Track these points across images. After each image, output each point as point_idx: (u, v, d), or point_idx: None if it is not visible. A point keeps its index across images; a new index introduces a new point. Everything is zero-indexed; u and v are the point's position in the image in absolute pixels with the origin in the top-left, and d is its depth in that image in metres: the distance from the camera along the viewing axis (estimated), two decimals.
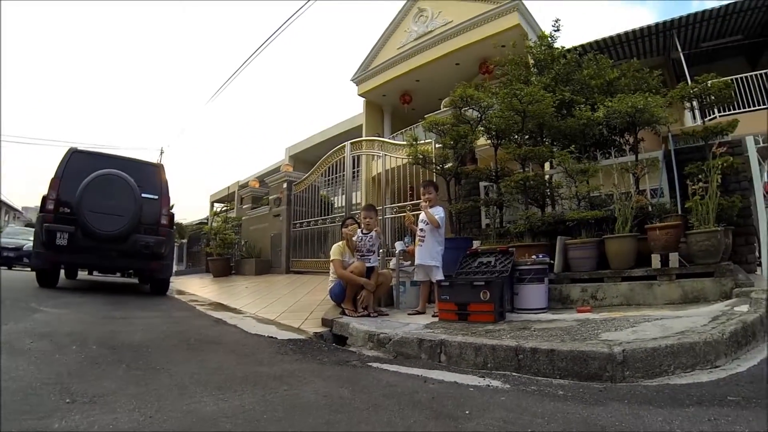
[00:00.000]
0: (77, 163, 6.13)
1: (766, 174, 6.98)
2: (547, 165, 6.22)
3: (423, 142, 6.60)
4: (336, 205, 9.97)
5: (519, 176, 5.00)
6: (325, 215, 9.56)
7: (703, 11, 9.97)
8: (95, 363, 2.47)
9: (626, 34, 10.52)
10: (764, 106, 9.76)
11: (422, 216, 4.53)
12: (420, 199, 7.03)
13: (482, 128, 5.98)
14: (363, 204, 9.07)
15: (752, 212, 5.38)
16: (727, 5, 9.74)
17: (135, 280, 10.56)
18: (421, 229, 4.48)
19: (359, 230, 4.46)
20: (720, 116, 9.94)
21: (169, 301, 6.32)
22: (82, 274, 11.21)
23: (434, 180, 5.27)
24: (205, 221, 14.62)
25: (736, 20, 10.28)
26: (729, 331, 2.46)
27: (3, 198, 23.62)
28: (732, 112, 9.88)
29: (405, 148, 6.41)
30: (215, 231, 11.37)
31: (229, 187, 19.26)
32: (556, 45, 6.92)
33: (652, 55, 11.53)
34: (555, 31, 6.93)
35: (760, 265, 5.21)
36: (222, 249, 11.10)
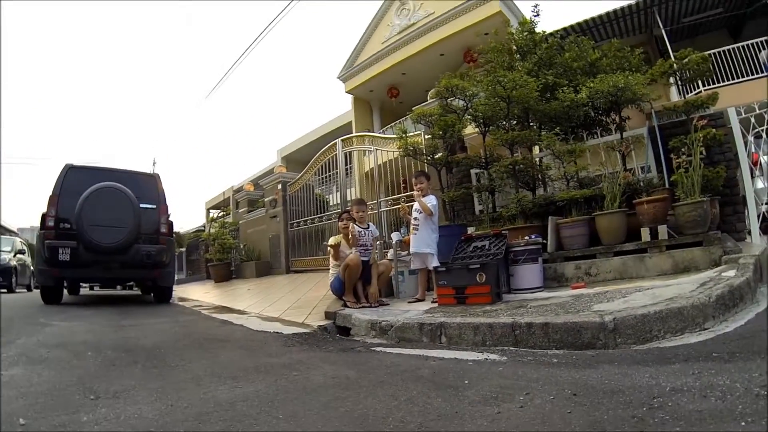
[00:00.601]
0: (74, 179, 6.24)
1: (753, 145, 7.10)
2: (536, 149, 6.36)
3: (412, 134, 6.74)
4: (331, 203, 10.12)
5: (508, 161, 5.14)
6: (320, 213, 9.69)
7: None
8: (112, 365, 2.61)
9: (608, 14, 10.64)
10: (748, 78, 9.94)
11: (416, 205, 4.67)
12: (413, 190, 7.24)
13: (470, 117, 6.11)
14: (355, 194, 9.26)
15: (738, 182, 5.53)
16: None
17: (137, 292, 10.70)
18: (415, 218, 4.63)
19: (356, 226, 4.60)
20: (704, 90, 10.11)
21: (173, 307, 6.46)
22: (84, 290, 11.33)
23: (425, 170, 5.41)
24: (202, 229, 14.74)
25: None
26: (716, 294, 2.58)
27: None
28: (717, 85, 10.04)
29: (395, 141, 6.53)
30: (213, 237, 11.50)
31: (224, 193, 19.38)
32: (537, 30, 7.06)
33: (635, 33, 11.67)
34: (535, 16, 7.07)
35: (749, 233, 5.40)
36: (221, 254, 11.23)
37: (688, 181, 4.29)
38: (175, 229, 17.66)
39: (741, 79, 9.82)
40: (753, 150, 6.80)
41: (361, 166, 11.31)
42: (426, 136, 6.49)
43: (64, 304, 6.63)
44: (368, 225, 4.71)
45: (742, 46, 10.08)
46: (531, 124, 6.05)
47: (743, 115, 5.89)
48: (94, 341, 3.39)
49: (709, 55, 10.03)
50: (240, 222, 12.73)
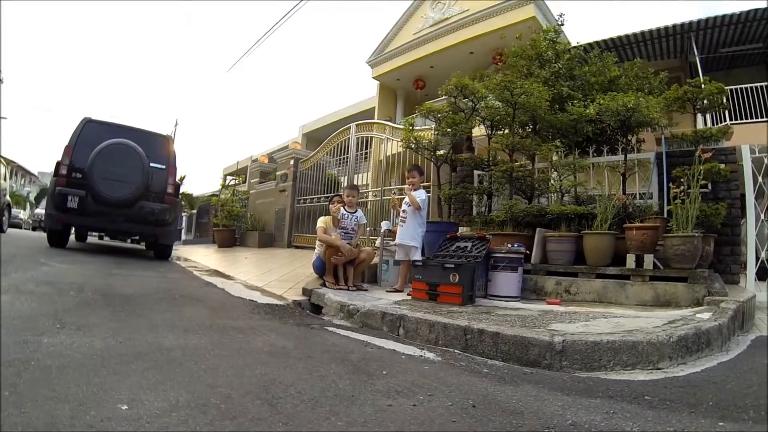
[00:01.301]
0: (90, 132, 6.54)
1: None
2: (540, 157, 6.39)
3: (423, 127, 6.83)
4: (344, 185, 10.27)
5: (504, 166, 5.21)
6: (329, 193, 9.86)
7: (723, 16, 9.83)
8: (87, 304, 2.86)
9: (642, 33, 10.48)
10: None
11: (406, 198, 4.81)
12: (425, 182, 7.34)
13: (479, 118, 6.18)
14: (371, 184, 9.40)
15: (740, 223, 5.38)
16: (748, 12, 9.62)
17: (142, 246, 11.08)
18: (404, 211, 4.77)
19: (342, 207, 4.75)
20: (732, 123, 9.94)
21: (169, 265, 6.73)
22: (93, 239, 11.77)
23: (421, 165, 5.52)
24: (217, 193, 15.10)
25: (757, 28, 10.12)
26: (678, 335, 2.47)
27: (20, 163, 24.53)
28: (743, 121, 9.88)
29: (402, 132, 6.64)
30: (222, 203, 11.81)
31: (238, 162, 19.72)
32: (560, 39, 7.03)
33: (669, 56, 11.47)
34: (560, 25, 7.04)
35: (745, 273, 5.23)
36: (228, 221, 11.52)
37: (682, 213, 4.21)
38: (189, 191, 18.23)
39: (763, 119, 9.59)
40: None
41: (377, 153, 11.44)
42: (433, 132, 6.57)
43: (69, 249, 6.97)
44: (356, 210, 4.86)
45: None
46: (538, 132, 6.08)
47: (757, 155, 5.66)
48: (80, 283, 3.65)
49: (740, 89, 9.93)
50: (251, 192, 13.02)
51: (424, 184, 7.34)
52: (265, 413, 1.40)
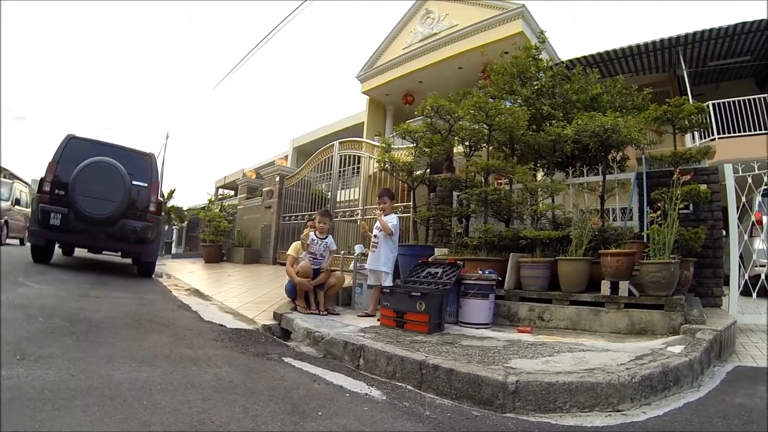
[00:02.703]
0: (74, 149, 6.72)
1: (759, 203, 6.85)
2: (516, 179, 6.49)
3: (402, 147, 6.98)
4: (330, 200, 10.43)
5: (478, 190, 5.34)
6: (315, 209, 10.02)
7: (710, 30, 10.05)
8: (52, 332, 3.00)
9: (630, 48, 10.72)
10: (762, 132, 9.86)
11: (377, 223, 4.95)
12: (402, 202, 7.50)
13: (457, 138, 6.31)
14: (360, 200, 9.55)
15: (722, 244, 5.33)
16: (735, 25, 9.85)
17: (129, 261, 11.21)
18: (375, 236, 4.91)
19: (313, 233, 4.91)
20: (720, 138, 10.14)
21: (150, 283, 6.87)
22: (80, 252, 11.90)
23: (391, 189, 5.63)
24: (205, 207, 15.28)
25: (745, 41, 10.39)
26: (642, 374, 2.43)
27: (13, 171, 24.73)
28: (735, 134, 10.07)
29: (379, 152, 6.79)
30: (209, 218, 11.99)
31: (225, 177, 19.94)
32: (542, 57, 7.18)
33: (658, 71, 11.72)
34: (541, 42, 7.21)
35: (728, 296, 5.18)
36: (214, 236, 11.70)
37: (659, 238, 4.15)
38: (180, 204, 18.39)
39: (754, 132, 9.78)
40: (757, 209, 6.74)
41: (365, 169, 11.63)
42: (413, 152, 6.70)
43: (52, 264, 7.11)
44: (327, 236, 5.00)
45: (766, 97, 10.05)
46: (515, 153, 6.16)
47: (740, 174, 5.63)
48: (51, 307, 3.79)
49: (727, 102, 10.12)
50: (238, 207, 13.21)
51: (404, 204, 7.54)
52: None
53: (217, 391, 2.22)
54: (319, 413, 2.10)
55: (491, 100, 6.09)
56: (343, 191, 9.76)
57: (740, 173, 5.25)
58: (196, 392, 2.16)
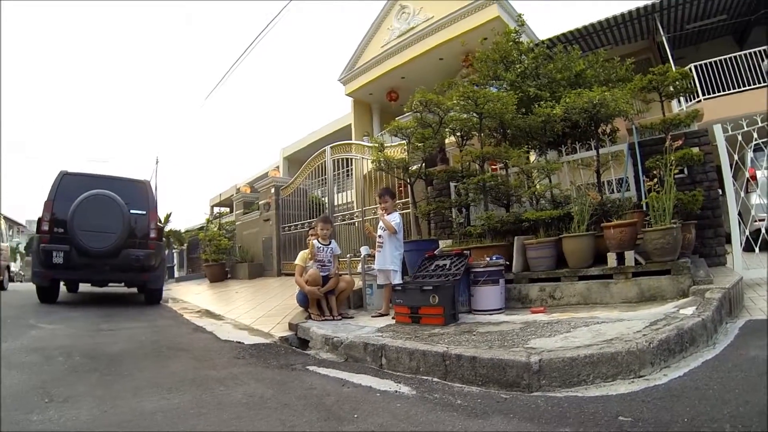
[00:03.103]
0: (68, 185, 6.73)
1: (751, 159, 6.87)
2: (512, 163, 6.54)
3: (394, 144, 7.01)
4: (327, 206, 10.48)
5: (476, 178, 5.38)
6: (314, 217, 10.06)
7: None
8: (75, 371, 3.02)
9: (607, 20, 10.78)
10: (753, 86, 9.94)
11: (381, 223, 4.99)
12: (400, 199, 7.53)
13: (448, 129, 6.35)
14: (357, 201, 9.59)
15: (720, 204, 5.41)
16: None
17: (134, 290, 11.22)
18: (380, 236, 4.94)
19: (316, 240, 4.94)
20: (705, 99, 10.21)
21: (160, 310, 6.89)
22: (84, 286, 11.89)
23: (390, 187, 5.66)
24: (204, 228, 15.30)
25: (720, 0, 10.48)
26: (659, 339, 2.48)
27: (5, 213, 24.74)
28: (717, 94, 10.13)
29: (373, 152, 6.82)
30: (209, 238, 12.00)
31: (220, 195, 19.95)
32: (523, 39, 7.22)
33: (637, 39, 11.80)
34: (519, 26, 7.24)
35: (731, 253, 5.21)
36: (216, 255, 11.72)
37: (659, 205, 4.21)
38: (177, 227, 18.38)
39: (746, 88, 9.83)
40: (750, 165, 6.79)
41: (359, 170, 11.67)
42: (405, 149, 6.74)
43: (59, 303, 7.12)
44: (330, 242, 5.03)
45: (745, 54, 10.12)
46: (507, 137, 6.21)
47: (730, 133, 5.67)
48: (68, 345, 3.81)
49: (711, 63, 10.18)
50: (237, 223, 13.22)
51: (403, 201, 7.58)
52: None
53: (250, 408, 2.24)
54: (355, 416, 2.14)
55: (476, 87, 6.14)
56: (339, 195, 9.81)
57: (730, 132, 5.28)
58: (229, 411, 2.19)
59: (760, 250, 5.01)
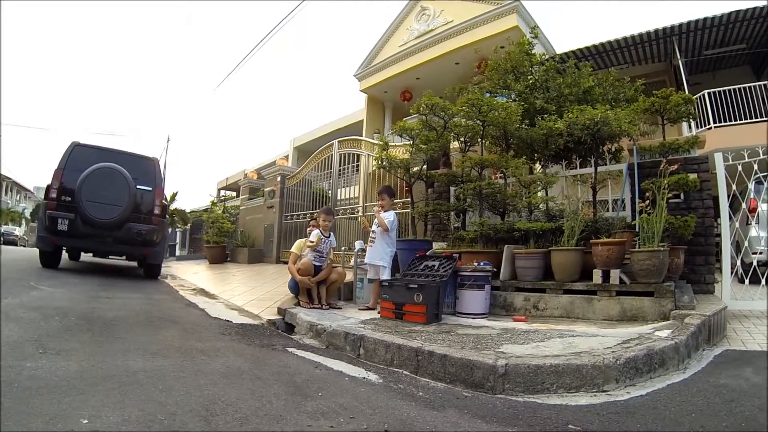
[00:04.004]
0: (79, 156, 6.97)
1: (752, 192, 6.89)
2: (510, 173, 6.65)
3: (399, 144, 7.18)
4: (331, 198, 10.69)
5: (472, 185, 5.54)
6: (316, 208, 10.25)
7: (705, 19, 10.13)
8: (69, 329, 3.24)
9: (625, 39, 10.85)
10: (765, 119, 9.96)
11: (376, 219, 5.17)
12: (402, 198, 7.71)
13: (452, 134, 6.51)
14: (361, 197, 9.78)
15: (713, 232, 5.45)
16: (730, 13, 9.93)
17: (134, 264, 11.50)
18: (373, 231, 5.13)
19: (318, 231, 5.12)
20: (716, 127, 10.27)
21: (157, 284, 7.12)
22: (86, 256, 12.20)
23: (396, 183, 5.84)
24: (208, 209, 15.58)
25: (740, 29, 10.46)
26: (626, 357, 2.57)
27: (15, 179, 25.29)
28: (732, 123, 10.17)
29: (377, 150, 6.99)
30: (213, 220, 12.24)
31: (227, 179, 20.22)
32: (535, 51, 7.35)
33: (654, 61, 11.85)
34: (533, 38, 7.38)
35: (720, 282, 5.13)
36: (218, 237, 11.97)
37: (648, 227, 4.30)
38: (182, 206, 18.67)
39: (751, 120, 9.88)
40: (752, 196, 6.83)
41: (365, 167, 11.86)
42: (409, 149, 6.90)
43: (61, 269, 7.37)
44: (330, 234, 5.22)
45: (761, 86, 10.15)
46: (510, 147, 6.35)
47: (730, 162, 5.70)
48: (65, 307, 4.03)
49: (726, 91, 10.21)
50: (241, 208, 13.47)
51: (403, 200, 7.75)
52: (198, 428, 1.76)
53: (226, 377, 2.43)
54: (320, 394, 2.31)
55: (487, 95, 6.29)
56: (343, 189, 10.00)
57: (730, 161, 5.31)
58: (206, 378, 2.38)
59: (750, 283, 5.05)
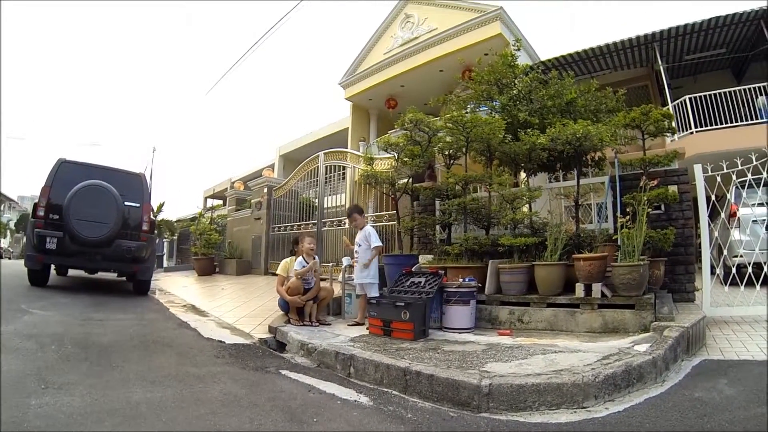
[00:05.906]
0: (65, 173, 7.10)
1: (733, 196, 7.08)
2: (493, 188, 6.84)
3: (386, 156, 7.37)
4: (317, 209, 10.86)
5: (457, 201, 5.77)
6: (304, 219, 10.44)
7: (685, 25, 10.50)
8: (67, 360, 3.40)
9: (607, 46, 11.18)
10: (747, 123, 10.30)
11: (358, 237, 5.38)
12: (390, 210, 7.91)
13: (436, 148, 6.72)
14: (348, 206, 9.95)
15: (693, 242, 5.64)
16: (710, 20, 10.30)
17: (123, 278, 11.57)
18: (356, 251, 5.34)
19: (301, 258, 5.25)
20: (697, 131, 10.61)
21: (147, 301, 7.25)
22: (74, 271, 12.22)
23: (381, 198, 5.99)
24: (197, 217, 15.65)
25: (720, 34, 10.85)
26: (605, 374, 2.72)
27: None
28: (712, 127, 10.50)
29: (363, 163, 7.19)
30: (200, 231, 12.35)
31: (214, 188, 20.32)
32: (518, 63, 7.56)
33: (636, 66, 12.21)
34: (516, 50, 7.61)
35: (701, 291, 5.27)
36: (206, 249, 12.09)
37: (629, 242, 4.46)
38: (169, 217, 18.71)
39: (731, 125, 10.24)
40: (733, 201, 7.06)
41: (350, 178, 12.06)
42: (394, 163, 7.10)
43: (49, 287, 7.47)
44: (315, 257, 5.40)
45: (741, 90, 10.50)
46: (493, 161, 6.56)
47: (710, 173, 5.86)
48: (60, 334, 4.18)
49: (707, 96, 10.54)
50: (228, 219, 13.60)
51: (389, 213, 7.96)
52: None
53: (225, 405, 2.63)
54: (315, 420, 2.50)
55: (466, 110, 6.50)
56: (330, 197, 10.19)
57: (709, 173, 5.48)
58: (205, 407, 2.58)
59: (730, 285, 5.26)
